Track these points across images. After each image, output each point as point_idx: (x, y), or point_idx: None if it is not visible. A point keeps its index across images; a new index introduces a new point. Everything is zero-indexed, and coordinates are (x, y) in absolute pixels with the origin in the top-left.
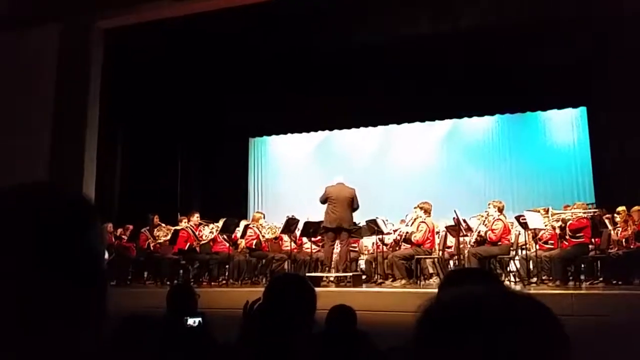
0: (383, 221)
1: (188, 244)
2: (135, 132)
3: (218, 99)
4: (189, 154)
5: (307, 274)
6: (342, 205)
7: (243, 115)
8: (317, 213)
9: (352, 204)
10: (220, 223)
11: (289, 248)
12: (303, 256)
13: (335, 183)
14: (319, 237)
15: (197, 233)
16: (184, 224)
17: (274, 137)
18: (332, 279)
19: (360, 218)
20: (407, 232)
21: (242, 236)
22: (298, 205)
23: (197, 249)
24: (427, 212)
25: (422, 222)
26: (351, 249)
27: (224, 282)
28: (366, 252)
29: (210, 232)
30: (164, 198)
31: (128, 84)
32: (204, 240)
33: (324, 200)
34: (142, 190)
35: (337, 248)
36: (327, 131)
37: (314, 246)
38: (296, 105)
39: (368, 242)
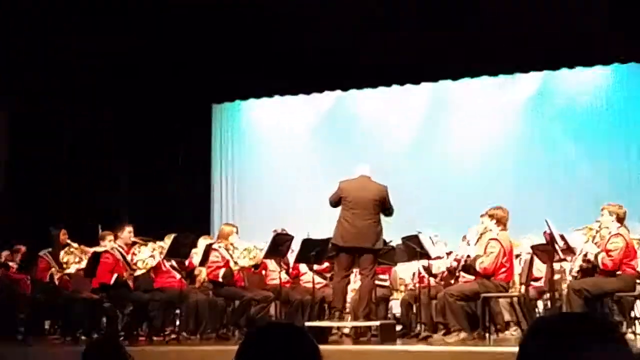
0: (430, 239)
1: (115, 275)
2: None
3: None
4: (117, 133)
5: (307, 324)
6: (365, 211)
7: (202, 71)
8: (323, 226)
9: (381, 211)
10: (168, 242)
11: (277, 282)
12: (300, 294)
13: (357, 176)
14: (325, 264)
15: (129, 258)
16: (108, 243)
17: (252, 101)
18: (347, 330)
19: (393, 233)
20: (468, 256)
21: (203, 263)
22: (291, 212)
23: (130, 283)
24: (501, 222)
25: (493, 239)
26: (378, 282)
27: (173, 336)
28: (403, 289)
29: (151, 257)
30: (77, 202)
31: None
32: (141, 269)
33: (335, 202)
34: (37, 188)
35: (354, 281)
36: (337, 92)
37: (317, 278)
38: (286, 51)
39: (405, 272)
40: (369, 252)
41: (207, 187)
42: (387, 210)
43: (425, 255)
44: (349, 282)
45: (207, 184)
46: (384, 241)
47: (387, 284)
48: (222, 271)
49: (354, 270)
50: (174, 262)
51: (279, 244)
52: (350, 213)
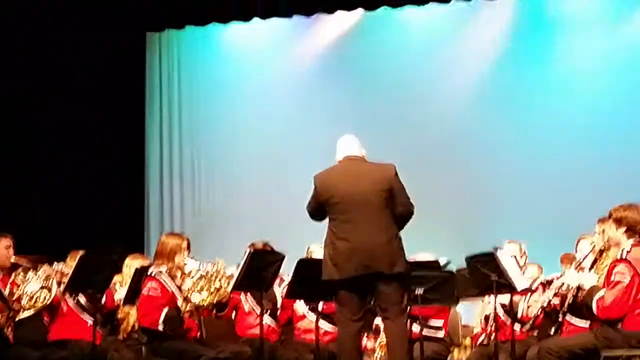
0: (515, 259)
1: None
2: None
3: None
4: None
5: None
6: (366, 214)
7: None
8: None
9: (393, 206)
10: (72, 264)
11: (256, 330)
12: (296, 351)
13: (342, 157)
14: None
15: (6, 292)
16: None
17: (213, 28)
18: None
19: (446, 250)
20: (579, 289)
21: (131, 299)
22: (280, 210)
23: (9, 332)
24: (635, 231)
25: (622, 261)
26: (428, 334)
27: None
28: (469, 343)
29: (44, 289)
30: None
31: None
32: (27, 309)
33: (316, 211)
34: None
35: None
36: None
37: (325, 325)
38: None
39: (473, 315)
40: (388, 279)
41: (140, 168)
42: (403, 204)
43: (507, 287)
44: (361, 332)
45: (140, 163)
46: (438, 264)
47: (441, 335)
48: (163, 313)
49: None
50: (82, 299)
51: (259, 268)
52: (341, 223)
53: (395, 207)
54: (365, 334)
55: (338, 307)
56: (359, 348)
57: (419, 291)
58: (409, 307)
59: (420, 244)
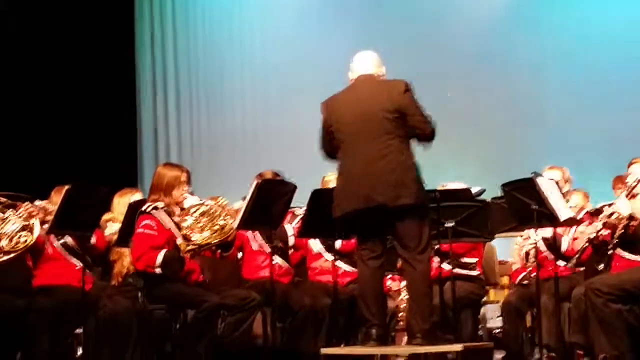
0: (557, 185)
1: None
2: None
3: None
4: None
5: (324, 351)
6: (373, 138)
7: None
8: None
9: (407, 130)
10: (57, 200)
11: (266, 273)
12: (310, 296)
13: (355, 77)
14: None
15: None
16: None
17: None
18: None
19: (479, 179)
20: (632, 218)
21: (124, 240)
22: (291, 140)
23: None
24: None
25: None
26: (460, 271)
27: None
28: (506, 282)
29: (25, 230)
30: None
31: None
32: (8, 252)
33: (327, 144)
34: None
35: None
36: None
37: (343, 265)
38: None
39: (510, 250)
40: (399, 213)
41: (131, 96)
42: (418, 124)
43: (548, 217)
44: (382, 270)
45: (131, 91)
46: (470, 193)
47: (475, 273)
48: (161, 255)
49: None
50: (69, 240)
51: (267, 201)
52: (343, 152)
53: (411, 130)
54: (390, 275)
55: (356, 244)
56: (381, 289)
57: (449, 224)
58: (432, 245)
59: (449, 172)
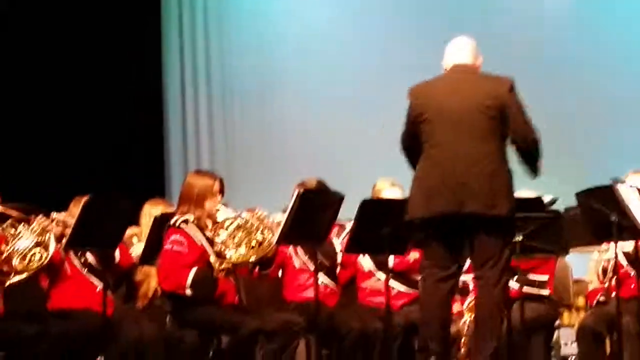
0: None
1: None
2: None
3: None
4: None
5: None
6: (468, 135)
7: None
8: (402, 174)
9: (505, 131)
10: (76, 211)
11: (310, 294)
12: (360, 320)
13: (450, 65)
14: (414, 256)
15: None
16: None
17: None
18: None
19: (553, 185)
20: None
21: (150, 257)
22: (335, 147)
23: None
24: None
25: None
26: (528, 290)
27: None
28: (581, 303)
29: (39, 246)
30: None
31: None
32: (19, 272)
33: (409, 135)
34: None
35: (471, 297)
36: None
37: (397, 285)
38: None
39: (585, 266)
40: (486, 224)
41: (157, 99)
42: (518, 129)
43: (630, 229)
44: (452, 293)
45: (157, 94)
46: (542, 202)
47: (546, 293)
48: (191, 274)
49: (461, 265)
50: (90, 257)
51: (311, 213)
52: (432, 147)
53: (509, 133)
54: None
55: (423, 259)
56: (448, 314)
57: (518, 238)
58: (507, 267)
59: (517, 179)
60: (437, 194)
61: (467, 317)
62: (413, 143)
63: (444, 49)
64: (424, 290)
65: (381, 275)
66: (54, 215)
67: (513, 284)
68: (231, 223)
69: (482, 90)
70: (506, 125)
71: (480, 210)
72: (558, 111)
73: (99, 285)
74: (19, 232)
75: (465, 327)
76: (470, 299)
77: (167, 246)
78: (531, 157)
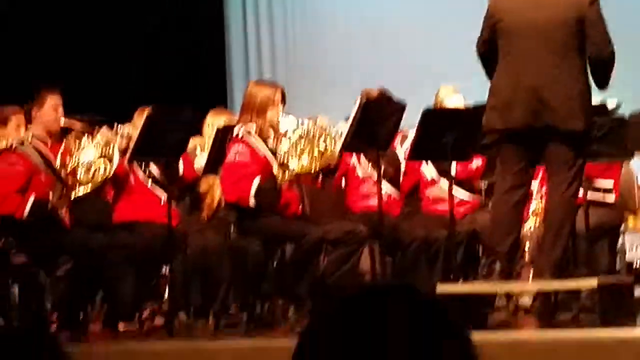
0: None
1: (31, 198)
2: None
3: None
4: None
5: (440, 288)
6: (546, 49)
7: None
8: (470, 85)
9: (584, 44)
10: (139, 123)
11: (373, 202)
12: (423, 227)
13: None
14: (476, 163)
15: (58, 162)
16: (12, 133)
17: None
18: (526, 301)
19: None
20: None
21: (213, 167)
22: (400, 54)
23: (64, 214)
24: None
25: None
26: (593, 197)
27: (157, 321)
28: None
29: (104, 158)
30: None
31: None
32: (84, 184)
33: (486, 43)
34: None
35: (535, 202)
36: None
37: (461, 192)
38: None
39: None
40: (565, 137)
41: (218, 8)
42: (596, 43)
43: None
44: (524, 202)
45: (220, 5)
46: (606, 107)
47: (611, 199)
48: (255, 184)
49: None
50: (153, 169)
51: (374, 122)
52: (510, 57)
53: (589, 46)
54: None
55: (498, 168)
56: (518, 221)
57: None
58: (580, 175)
59: None
60: (512, 106)
61: (532, 222)
62: (489, 51)
63: None
64: (498, 195)
65: (444, 183)
66: (118, 127)
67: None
68: (293, 132)
69: (564, 2)
70: (586, 38)
71: (555, 123)
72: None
73: (163, 197)
74: (83, 145)
75: (529, 233)
76: (535, 202)
77: (230, 157)
78: (604, 70)
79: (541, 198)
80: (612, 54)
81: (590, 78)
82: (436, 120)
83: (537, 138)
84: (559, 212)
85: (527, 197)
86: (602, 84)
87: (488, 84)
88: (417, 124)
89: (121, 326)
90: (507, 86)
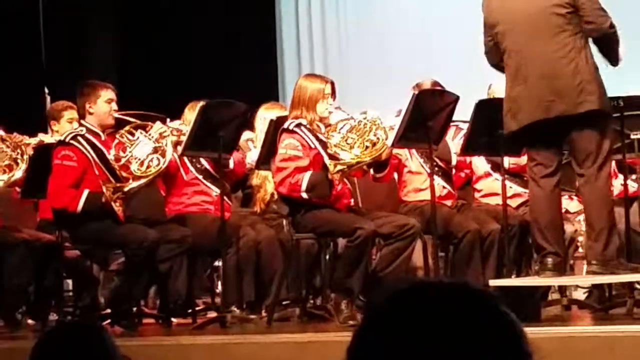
0: None
1: (85, 192)
2: None
3: None
4: None
5: (493, 282)
6: (541, 39)
7: None
8: None
9: (580, 24)
10: (191, 118)
11: (426, 196)
12: (476, 221)
13: None
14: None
15: (112, 156)
16: (66, 125)
17: None
18: (581, 294)
19: None
20: None
21: (265, 161)
22: (442, 50)
23: (117, 208)
24: None
25: None
26: (634, 182)
27: (210, 314)
28: None
29: (157, 153)
30: None
31: None
32: (138, 177)
33: (488, 49)
34: None
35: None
36: None
37: (514, 186)
38: None
39: None
40: (578, 122)
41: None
42: (593, 15)
43: None
44: (559, 191)
45: None
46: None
47: None
48: (306, 177)
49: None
50: (205, 163)
51: (426, 114)
52: (511, 56)
53: (583, 25)
54: (566, 195)
55: (528, 163)
56: (557, 212)
57: (635, 136)
58: (611, 160)
59: (633, 77)
60: (521, 105)
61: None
62: (493, 54)
63: None
64: (530, 190)
65: (497, 176)
66: (170, 122)
67: (631, 183)
68: (344, 125)
69: None
70: (579, 17)
71: (568, 110)
72: None
73: (215, 191)
74: (137, 139)
75: (581, 226)
76: None
77: (281, 150)
78: (609, 46)
79: None
80: (612, 26)
81: (600, 57)
82: (489, 113)
83: (556, 128)
84: (594, 207)
85: (560, 182)
86: (613, 60)
87: None
88: (470, 117)
89: (174, 320)
90: (512, 87)
